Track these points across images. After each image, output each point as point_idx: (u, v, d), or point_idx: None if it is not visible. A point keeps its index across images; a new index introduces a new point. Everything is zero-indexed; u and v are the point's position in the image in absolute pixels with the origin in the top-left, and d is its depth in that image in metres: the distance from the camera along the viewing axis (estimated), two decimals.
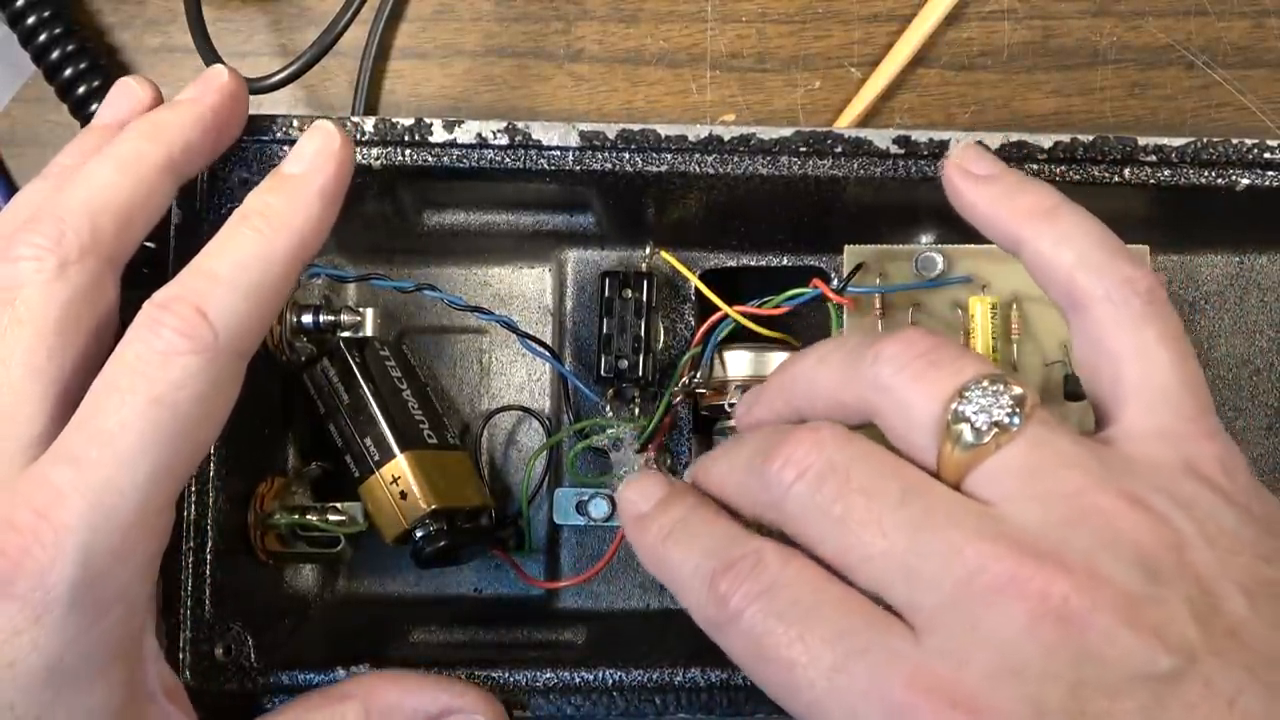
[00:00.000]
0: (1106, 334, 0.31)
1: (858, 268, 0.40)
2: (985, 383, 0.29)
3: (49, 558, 0.29)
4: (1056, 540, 0.27)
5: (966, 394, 0.29)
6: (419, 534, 0.39)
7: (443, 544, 0.39)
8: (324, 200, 0.34)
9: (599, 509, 0.43)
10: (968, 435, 0.28)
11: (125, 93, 0.37)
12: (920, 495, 0.29)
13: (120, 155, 0.34)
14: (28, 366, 0.31)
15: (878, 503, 0.28)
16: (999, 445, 0.28)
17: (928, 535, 0.28)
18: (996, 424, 0.28)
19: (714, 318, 0.41)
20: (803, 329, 0.43)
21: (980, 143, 0.36)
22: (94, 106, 0.45)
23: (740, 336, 0.42)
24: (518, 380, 0.45)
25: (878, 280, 0.41)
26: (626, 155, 0.38)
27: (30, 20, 0.45)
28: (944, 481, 0.29)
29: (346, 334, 0.41)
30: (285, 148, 0.38)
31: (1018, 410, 0.29)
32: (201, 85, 0.36)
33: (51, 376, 0.32)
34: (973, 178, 0.34)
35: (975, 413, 0.28)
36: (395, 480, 0.40)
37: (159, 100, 0.37)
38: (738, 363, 0.42)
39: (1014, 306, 0.40)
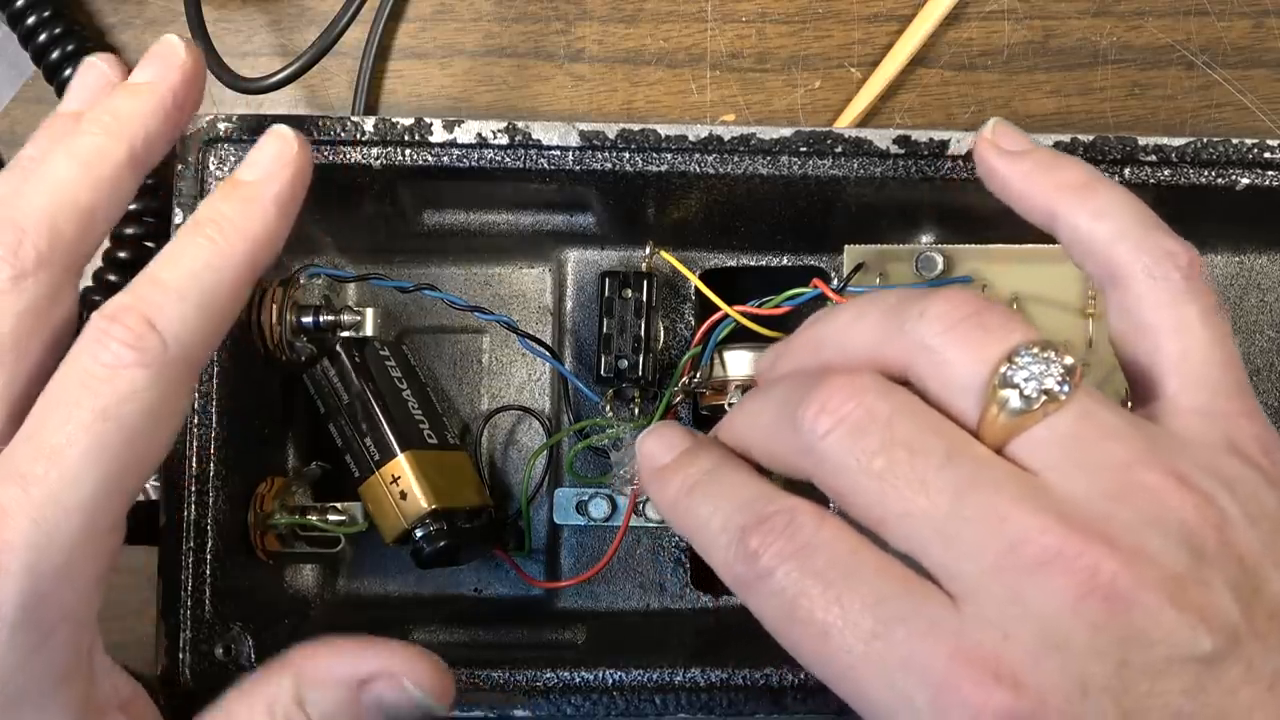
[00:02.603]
0: (1146, 309, 0.30)
1: (858, 268, 0.40)
2: (1036, 349, 0.28)
3: None
4: (1103, 514, 0.27)
5: (1016, 359, 0.28)
6: (419, 534, 0.39)
7: (443, 544, 0.39)
8: (279, 208, 0.33)
9: (599, 509, 0.43)
10: (1015, 401, 0.27)
11: (93, 74, 0.35)
12: (965, 456, 0.27)
13: (81, 152, 0.32)
14: None
15: (921, 459, 0.27)
16: (1046, 414, 0.27)
17: (972, 498, 0.27)
18: (1046, 392, 0.27)
19: (714, 318, 0.41)
20: None
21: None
22: None
23: (740, 336, 0.42)
24: (518, 380, 0.45)
25: (878, 280, 0.41)
26: (626, 155, 0.38)
27: (30, 20, 0.45)
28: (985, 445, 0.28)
29: (346, 334, 0.41)
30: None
31: (1067, 379, 0.27)
32: (160, 64, 0.34)
33: (2, 391, 0.31)
34: (1006, 154, 0.34)
35: (1025, 379, 0.27)
36: (395, 480, 0.40)
37: (126, 76, 0.35)
38: (738, 363, 0.42)
39: (1014, 306, 0.40)
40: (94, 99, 0.34)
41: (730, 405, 0.41)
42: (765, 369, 0.34)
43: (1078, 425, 0.28)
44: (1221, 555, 0.27)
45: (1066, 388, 0.28)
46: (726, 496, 0.30)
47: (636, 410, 0.42)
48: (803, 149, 0.38)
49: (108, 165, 0.32)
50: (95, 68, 0.35)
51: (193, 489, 0.37)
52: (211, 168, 0.38)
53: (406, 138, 0.38)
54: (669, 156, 0.38)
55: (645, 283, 0.42)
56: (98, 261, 0.44)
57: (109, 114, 0.33)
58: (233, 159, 0.38)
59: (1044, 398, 0.27)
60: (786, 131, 0.38)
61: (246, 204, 0.33)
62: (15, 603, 0.28)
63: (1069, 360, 0.28)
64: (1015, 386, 0.27)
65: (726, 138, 0.38)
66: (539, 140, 0.38)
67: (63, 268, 0.32)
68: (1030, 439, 0.28)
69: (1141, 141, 0.38)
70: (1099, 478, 0.27)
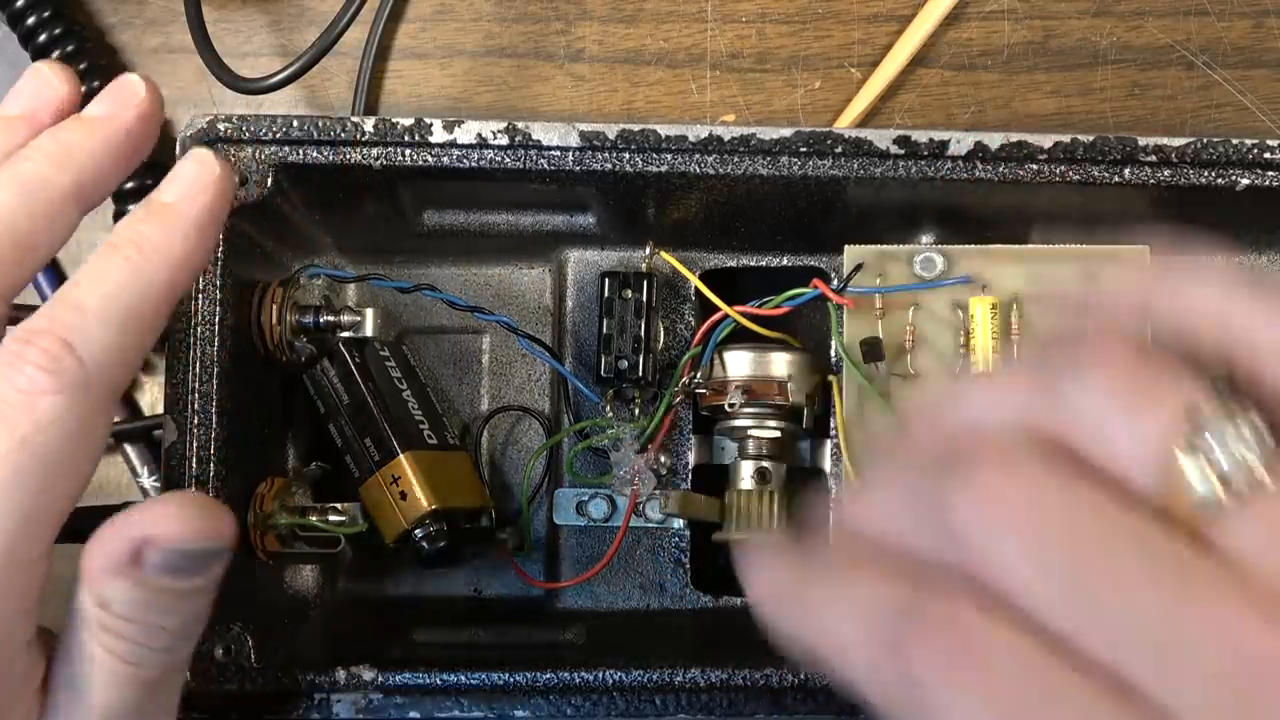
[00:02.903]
0: None
1: (858, 268, 0.40)
2: (1219, 413, 0.22)
3: None
4: None
5: (1198, 431, 0.22)
6: (419, 534, 0.39)
7: (443, 544, 0.39)
8: (199, 231, 0.32)
9: (599, 509, 0.43)
10: (1200, 486, 0.22)
11: (38, 82, 0.33)
12: (1163, 550, 0.22)
13: (24, 181, 0.31)
14: None
15: (1116, 558, 0.21)
16: (1243, 500, 0.22)
17: (1188, 604, 0.21)
18: (1241, 468, 0.22)
19: (714, 318, 0.41)
20: (803, 329, 0.43)
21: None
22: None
23: (740, 336, 0.42)
24: (518, 380, 0.45)
25: (878, 280, 0.40)
26: (626, 155, 0.38)
27: (30, 20, 0.45)
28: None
29: (346, 334, 0.41)
30: (285, 148, 0.38)
31: (1262, 447, 0.22)
32: (116, 100, 0.33)
33: None
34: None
35: (1212, 454, 0.22)
36: (395, 480, 0.40)
37: (75, 95, 0.34)
38: (738, 363, 0.42)
39: (1014, 306, 0.40)
40: (39, 108, 0.33)
41: (730, 405, 0.41)
42: (877, 455, 0.28)
43: None
44: None
45: (1261, 462, 0.22)
46: (868, 595, 0.24)
47: (636, 410, 0.42)
48: (803, 149, 0.38)
49: (52, 196, 0.31)
50: (42, 75, 0.34)
51: (192, 489, 0.37)
52: None
53: (406, 138, 0.38)
54: (669, 157, 0.38)
55: (645, 283, 0.42)
56: None
57: (59, 145, 0.32)
58: (232, 159, 0.38)
59: (1240, 477, 0.22)
60: (786, 132, 0.38)
61: (166, 225, 0.32)
62: None
63: (1259, 425, 0.22)
64: (1200, 464, 0.22)
65: (726, 138, 0.38)
66: (539, 141, 0.38)
67: (99, 385, 0.30)
68: (1231, 524, 0.22)
69: (1141, 141, 0.38)
70: None
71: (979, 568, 0.22)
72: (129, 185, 0.44)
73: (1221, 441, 0.22)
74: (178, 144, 0.38)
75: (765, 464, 0.42)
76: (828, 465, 0.42)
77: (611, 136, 0.38)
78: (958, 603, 0.22)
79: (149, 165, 0.44)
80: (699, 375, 0.41)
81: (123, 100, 0.33)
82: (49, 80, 0.33)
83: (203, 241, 0.32)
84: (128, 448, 0.45)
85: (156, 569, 0.30)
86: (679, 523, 0.43)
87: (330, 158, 0.38)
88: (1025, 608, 0.22)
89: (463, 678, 0.37)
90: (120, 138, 0.33)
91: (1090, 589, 0.21)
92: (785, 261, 0.44)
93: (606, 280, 0.42)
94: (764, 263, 0.44)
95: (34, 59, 0.45)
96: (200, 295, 0.38)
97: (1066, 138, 0.38)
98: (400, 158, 0.39)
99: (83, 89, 0.35)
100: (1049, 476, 0.22)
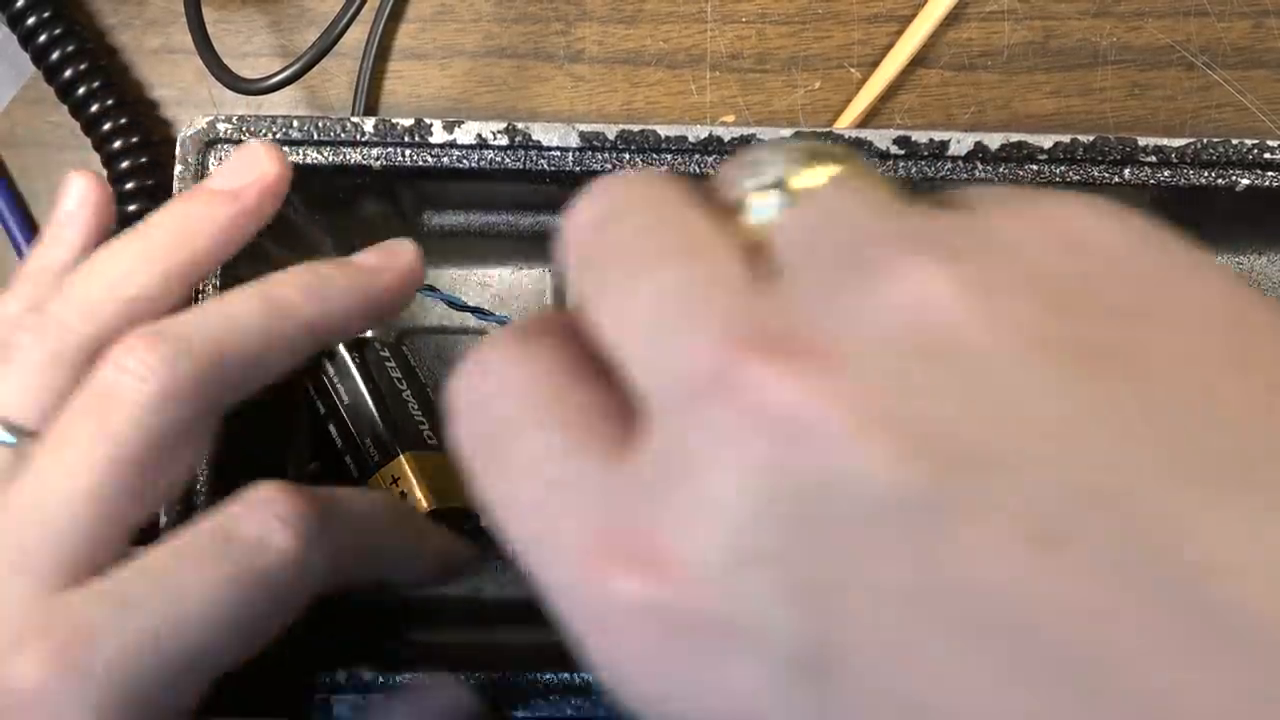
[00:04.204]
0: None
1: None
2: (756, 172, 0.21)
3: (66, 704, 0.27)
4: (810, 317, 0.19)
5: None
6: None
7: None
8: (371, 306, 0.34)
9: None
10: (755, 209, 0.21)
11: (250, 162, 0.33)
12: (678, 255, 0.20)
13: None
14: (92, 491, 0.29)
15: (639, 254, 0.20)
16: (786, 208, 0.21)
17: (677, 304, 0.19)
18: (777, 185, 0.21)
19: None
20: None
21: None
22: (95, 107, 0.45)
23: None
24: None
25: None
26: (627, 156, 0.39)
27: (30, 21, 0.45)
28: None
29: None
30: (285, 148, 0.38)
31: (801, 165, 0.21)
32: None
33: (111, 509, 0.29)
34: None
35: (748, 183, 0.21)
36: (395, 481, 0.40)
37: (283, 176, 0.34)
38: None
39: None
40: (246, 186, 0.33)
41: None
42: None
43: (831, 202, 0.20)
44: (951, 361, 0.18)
45: (803, 173, 0.21)
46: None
47: None
48: None
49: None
50: (256, 156, 0.34)
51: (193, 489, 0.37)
52: (210, 169, 0.38)
53: (406, 138, 0.38)
54: (669, 157, 0.39)
55: None
56: None
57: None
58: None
59: (775, 191, 0.21)
60: (786, 132, 0.38)
61: (337, 290, 0.33)
62: None
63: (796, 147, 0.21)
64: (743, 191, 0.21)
65: (726, 139, 0.38)
66: (539, 141, 0.38)
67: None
68: (779, 237, 0.20)
69: (1141, 142, 0.38)
70: (827, 266, 0.19)
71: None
72: (130, 186, 0.44)
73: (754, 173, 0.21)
74: (177, 144, 0.38)
75: None
76: None
77: (611, 137, 0.38)
78: (522, 324, 0.22)
79: (151, 165, 0.44)
80: None
81: (396, 262, 0.34)
82: (261, 163, 0.33)
83: (365, 312, 0.33)
84: None
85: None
86: None
87: (330, 158, 0.38)
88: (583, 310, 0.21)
89: (463, 678, 0.37)
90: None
91: (609, 284, 0.20)
92: None
93: None
94: None
95: (34, 59, 0.45)
96: (200, 296, 0.38)
97: (1066, 138, 0.38)
98: (400, 158, 0.39)
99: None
100: (641, 184, 0.22)
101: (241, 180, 0.33)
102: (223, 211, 0.33)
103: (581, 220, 0.22)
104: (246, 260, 0.40)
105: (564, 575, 0.20)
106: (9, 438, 0.30)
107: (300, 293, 0.32)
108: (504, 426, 0.21)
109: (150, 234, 0.32)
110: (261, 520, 0.30)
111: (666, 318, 0.19)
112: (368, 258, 0.34)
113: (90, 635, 0.28)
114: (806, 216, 0.20)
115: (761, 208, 0.21)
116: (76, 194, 0.34)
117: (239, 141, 0.38)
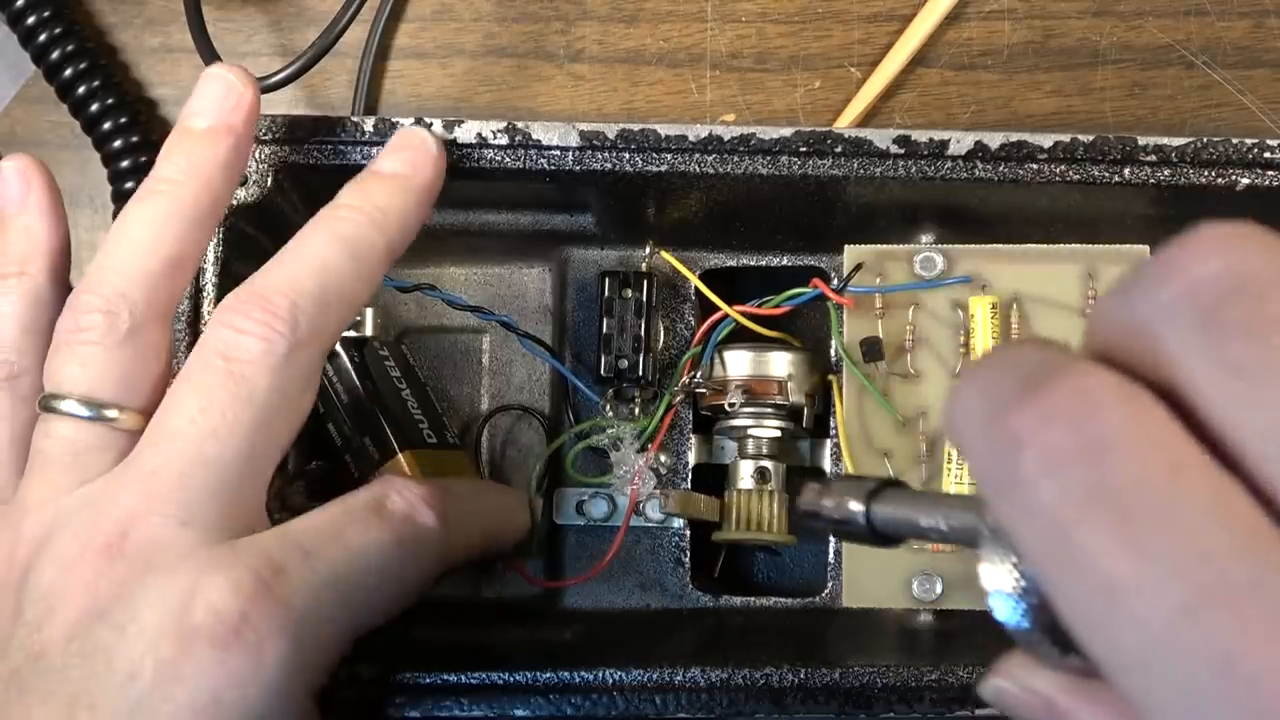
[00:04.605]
0: None
1: (858, 268, 0.40)
2: None
3: (266, 631, 0.30)
4: None
5: None
6: None
7: None
8: (427, 199, 0.36)
9: (599, 509, 0.43)
10: None
11: (223, 87, 0.35)
12: None
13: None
14: (240, 451, 0.32)
15: None
16: None
17: None
18: None
19: (714, 317, 0.41)
20: (803, 329, 0.43)
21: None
22: (95, 106, 0.45)
23: (740, 336, 0.42)
24: (518, 380, 0.45)
25: (878, 280, 0.41)
26: (626, 155, 0.38)
27: (30, 20, 0.45)
28: None
29: (346, 333, 0.41)
30: (285, 148, 0.38)
31: None
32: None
33: (259, 465, 0.33)
34: None
35: None
36: None
37: (258, 93, 0.35)
38: (738, 362, 0.42)
39: (1014, 306, 0.40)
40: (223, 114, 0.35)
41: (730, 405, 0.41)
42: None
43: None
44: None
45: None
46: (995, 365, 0.20)
47: (636, 410, 0.42)
48: (803, 149, 0.38)
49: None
50: (224, 80, 0.35)
51: None
52: None
53: None
54: (669, 156, 0.38)
55: (645, 283, 0.42)
56: None
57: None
58: None
59: None
60: (786, 131, 0.38)
61: (396, 192, 0.35)
62: (279, 659, 0.30)
63: None
64: None
65: (726, 138, 0.38)
66: (539, 140, 0.38)
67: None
68: None
69: (1141, 141, 0.38)
70: None
71: (1144, 343, 0.19)
72: (124, 165, 0.44)
73: None
74: None
75: (765, 463, 0.42)
76: (828, 465, 0.42)
77: (611, 136, 0.38)
78: (1092, 373, 0.18)
79: (144, 143, 0.44)
80: (699, 375, 0.41)
81: (421, 159, 0.36)
82: (233, 85, 0.35)
83: (423, 211, 0.36)
84: None
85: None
86: (679, 522, 0.43)
87: (330, 158, 0.38)
88: (1186, 392, 0.18)
89: (463, 677, 0.37)
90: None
91: (1262, 380, 0.17)
92: (785, 261, 0.44)
93: (607, 280, 0.42)
94: (764, 262, 0.44)
95: (34, 59, 0.45)
96: (201, 295, 0.38)
97: (1066, 138, 0.38)
98: None
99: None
100: (1257, 248, 0.18)
101: (225, 114, 0.34)
102: (222, 146, 0.34)
103: (1206, 273, 0.18)
104: (243, 259, 0.40)
105: (1244, 697, 0.16)
106: (89, 412, 0.32)
107: (371, 225, 0.34)
108: (1143, 493, 0.17)
109: (165, 190, 0.34)
110: (409, 500, 0.34)
111: None
112: (398, 162, 0.36)
113: (283, 570, 0.31)
114: None
115: None
116: (16, 179, 0.36)
117: None
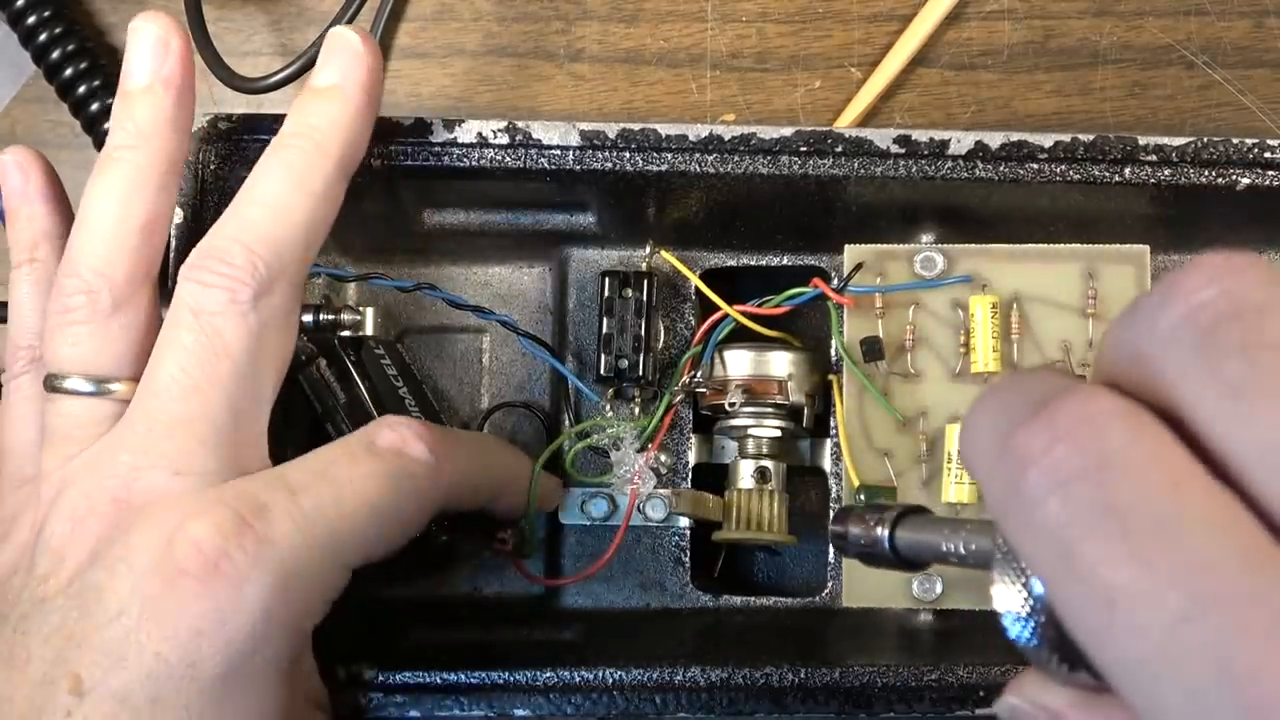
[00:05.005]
0: None
1: (858, 267, 0.40)
2: None
3: (247, 566, 0.30)
4: None
5: None
6: None
7: (443, 539, 0.39)
8: (370, 103, 0.35)
9: (599, 509, 0.42)
10: None
11: (158, 46, 0.34)
12: None
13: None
14: (227, 397, 0.33)
15: None
16: None
17: None
18: None
19: (714, 317, 0.41)
20: (803, 329, 0.43)
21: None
22: (94, 106, 0.45)
23: (740, 336, 0.42)
24: (518, 380, 0.45)
25: (878, 280, 0.41)
26: (627, 155, 0.38)
27: (30, 20, 0.45)
28: None
29: (346, 333, 0.41)
30: None
31: None
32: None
33: (247, 406, 0.33)
34: None
35: None
36: None
37: (186, 42, 0.35)
38: (738, 362, 0.42)
39: (1014, 306, 0.40)
40: (154, 67, 0.34)
41: (731, 405, 0.41)
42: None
43: None
44: None
45: None
46: (1005, 392, 0.21)
47: (636, 410, 0.42)
48: (803, 149, 0.38)
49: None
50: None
51: None
52: (211, 166, 0.38)
53: (406, 138, 0.38)
54: (669, 156, 0.38)
55: (645, 282, 0.42)
56: None
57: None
58: (233, 157, 0.38)
59: None
60: (786, 131, 0.38)
61: (337, 104, 0.35)
62: (261, 597, 0.31)
63: None
64: None
65: (726, 137, 0.38)
66: (539, 140, 0.38)
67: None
68: None
69: (1141, 141, 0.38)
70: None
71: (1145, 367, 0.20)
72: (107, 102, 0.45)
73: None
74: None
75: (765, 463, 0.42)
76: (828, 465, 0.42)
77: (612, 136, 0.38)
78: (1096, 396, 0.20)
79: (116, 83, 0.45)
80: (699, 374, 0.41)
81: (350, 62, 0.35)
82: (160, 37, 0.35)
83: (372, 116, 0.35)
84: None
85: None
86: (685, 521, 0.43)
87: None
88: (1183, 411, 0.19)
89: (463, 677, 0.37)
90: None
91: (1257, 398, 0.18)
92: (785, 261, 0.44)
93: (607, 279, 0.42)
94: (764, 262, 0.44)
95: (34, 59, 0.45)
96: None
97: (1066, 137, 0.38)
98: (400, 157, 0.39)
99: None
100: (1254, 278, 0.19)
101: (160, 68, 0.34)
102: (166, 101, 0.34)
103: (1205, 298, 0.19)
104: None
105: (1239, 700, 0.17)
106: (90, 387, 0.34)
107: (314, 149, 0.34)
108: (1143, 506, 0.18)
109: (120, 157, 0.34)
110: (399, 435, 0.34)
111: None
112: (330, 73, 0.35)
113: (266, 509, 0.31)
114: None
115: None
116: (15, 171, 0.37)
117: (239, 140, 0.38)
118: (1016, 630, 0.21)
